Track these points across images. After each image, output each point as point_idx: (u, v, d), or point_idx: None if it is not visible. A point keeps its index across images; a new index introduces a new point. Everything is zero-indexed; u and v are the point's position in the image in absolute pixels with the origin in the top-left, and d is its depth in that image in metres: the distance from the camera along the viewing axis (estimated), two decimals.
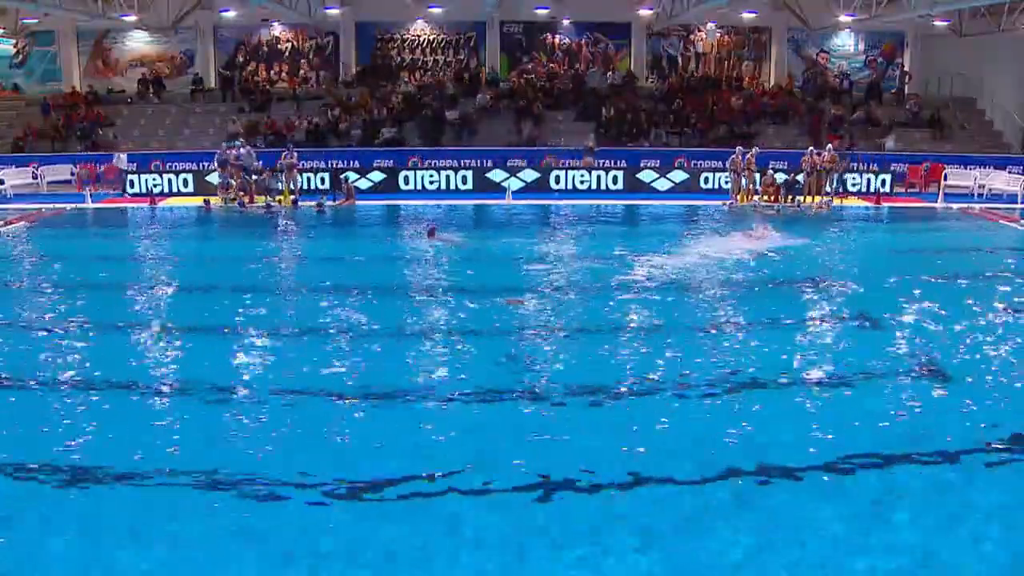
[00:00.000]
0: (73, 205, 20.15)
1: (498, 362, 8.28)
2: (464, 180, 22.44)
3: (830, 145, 21.41)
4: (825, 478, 5.92)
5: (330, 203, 20.23)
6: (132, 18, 25.08)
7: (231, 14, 26.90)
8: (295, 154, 21.15)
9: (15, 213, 18.76)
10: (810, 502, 5.62)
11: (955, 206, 20.29)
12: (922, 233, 17.73)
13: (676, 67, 29.05)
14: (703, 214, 18.98)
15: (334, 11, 27.07)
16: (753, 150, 21.03)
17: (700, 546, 5.06)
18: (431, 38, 28.82)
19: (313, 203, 19.85)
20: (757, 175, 20.80)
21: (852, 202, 21.19)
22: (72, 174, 23.08)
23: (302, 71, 28.91)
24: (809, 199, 20.30)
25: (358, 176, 21.96)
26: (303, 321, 9.94)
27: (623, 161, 23.43)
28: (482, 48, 28.64)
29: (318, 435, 6.65)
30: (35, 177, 22.84)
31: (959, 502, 5.61)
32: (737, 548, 5.03)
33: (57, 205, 20.08)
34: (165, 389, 7.64)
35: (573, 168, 22.77)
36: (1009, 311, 10.51)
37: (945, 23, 25.89)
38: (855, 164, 22.82)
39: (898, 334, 9.47)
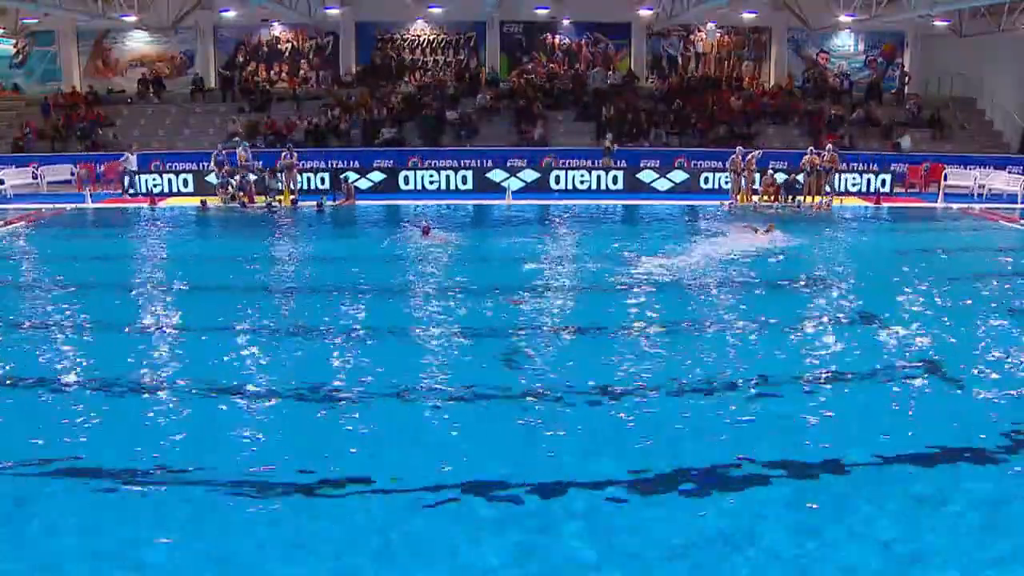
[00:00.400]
0: (73, 205, 20.16)
1: (498, 362, 8.28)
2: (464, 180, 22.44)
3: (830, 145, 21.40)
4: (825, 478, 5.92)
5: (330, 203, 20.23)
6: (132, 18, 25.09)
7: (231, 14, 26.90)
8: (295, 154, 21.17)
9: (15, 213, 18.77)
10: (809, 501, 5.62)
11: (955, 206, 20.29)
12: (922, 233, 17.72)
13: (676, 67, 29.05)
14: (703, 214, 18.98)
15: (334, 11, 27.07)
16: (758, 152, 21.02)
17: (701, 546, 5.06)
18: (431, 38, 28.83)
19: (313, 203, 19.84)
20: (757, 175, 20.79)
21: (852, 202, 21.19)
22: (72, 174, 23.10)
23: (302, 71, 28.92)
24: (809, 199, 20.30)
25: (358, 176, 21.97)
26: (302, 321, 9.95)
27: (623, 161, 23.42)
28: (482, 48, 28.64)
29: (317, 435, 6.66)
30: (35, 177, 22.83)
31: (958, 502, 5.61)
32: (737, 548, 5.03)
33: (57, 205, 20.09)
34: (165, 389, 7.63)
35: (573, 168, 22.79)
36: (1009, 311, 10.51)
37: (945, 23, 25.89)
38: (844, 164, 22.76)
39: (898, 334, 9.46)
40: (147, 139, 25.51)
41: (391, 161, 23.37)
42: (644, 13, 27.54)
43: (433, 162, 23.28)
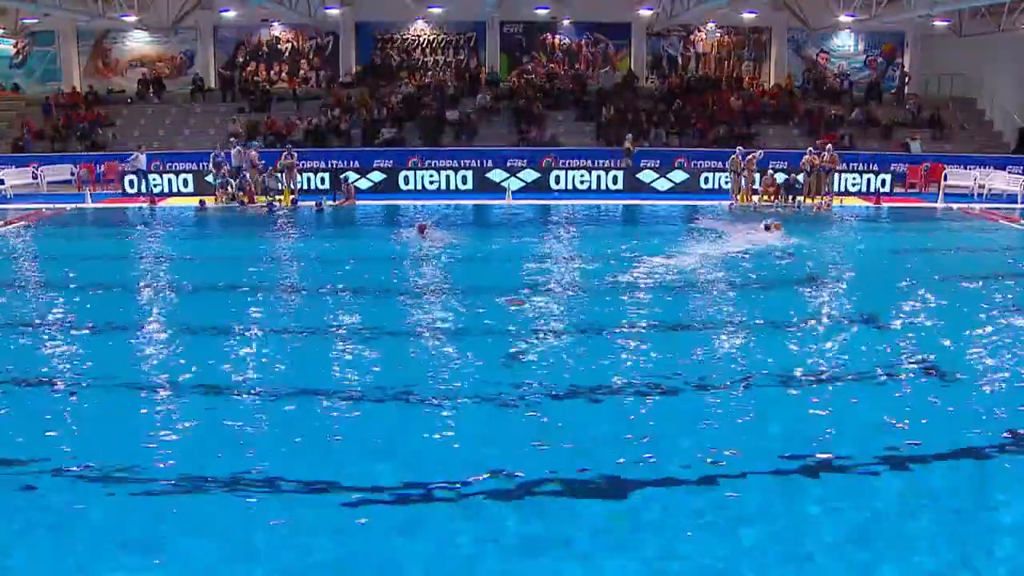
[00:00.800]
0: (73, 205, 20.16)
1: (498, 362, 8.28)
2: (464, 180, 22.45)
3: (829, 145, 21.41)
4: (824, 478, 5.92)
5: (330, 203, 20.23)
6: (132, 18, 25.10)
7: (231, 14, 26.92)
8: (294, 154, 21.17)
9: (15, 213, 18.77)
10: (807, 501, 5.62)
11: (955, 206, 20.29)
12: (922, 233, 17.72)
13: (676, 67, 29.06)
14: (703, 214, 18.97)
15: (334, 11, 27.08)
16: (759, 152, 21.03)
17: (702, 546, 5.06)
18: (431, 38, 28.84)
19: (313, 203, 19.84)
20: (757, 175, 20.79)
21: (852, 202, 21.19)
22: (72, 174, 23.11)
23: (302, 71, 28.93)
24: (809, 199, 20.30)
25: (358, 176, 21.98)
26: (301, 321, 9.96)
27: (623, 161, 23.40)
28: (482, 48, 28.65)
29: (316, 435, 6.65)
30: (35, 177, 22.84)
31: (957, 501, 5.61)
32: (736, 548, 5.03)
33: (57, 205, 20.09)
34: (164, 388, 7.63)
35: (573, 168, 22.80)
36: (1009, 311, 10.50)
37: (945, 23, 25.91)
38: (843, 164, 22.77)
39: (897, 334, 9.46)
40: (147, 139, 25.49)
41: (391, 161, 23.38)
42: (644, 13, 27.56)
43: (433, 162, 23.29)
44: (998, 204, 20.63)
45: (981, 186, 22.41)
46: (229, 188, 20.39)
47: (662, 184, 22.39)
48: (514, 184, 22.01)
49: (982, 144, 25.46)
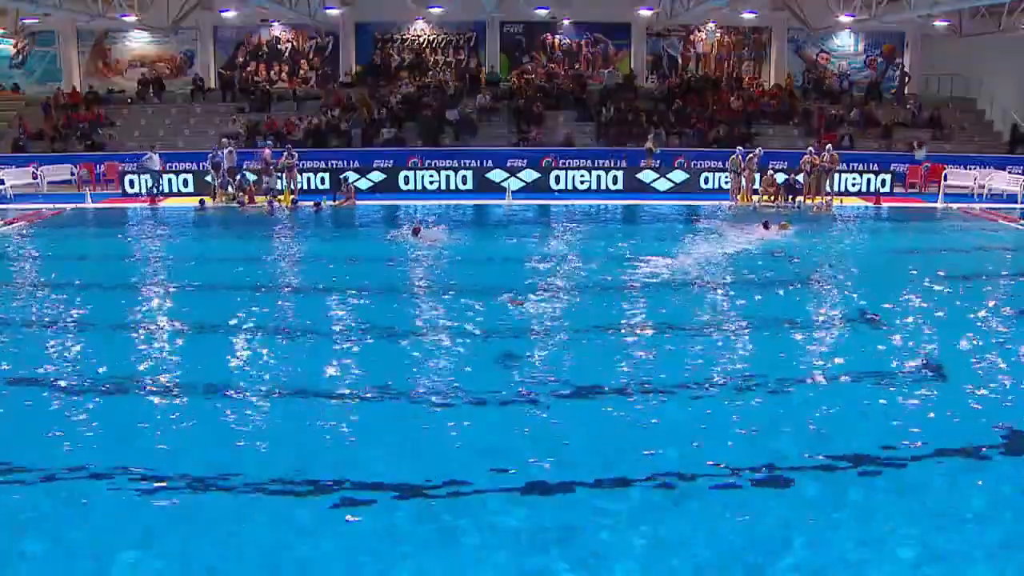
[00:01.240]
0: (73, 205, 20.16)
1: (499, 362, 8.28)
2: (464, 180, 22.44)
3: (829, 145, 21.40)
4: (823, 478, 5.92)
5: (330, 203, 20.23)
6: (132, 18, 25.08)
7: (231, 14, 26.92)
8: (294, 154, 21.16)
9: (15, 213, 18.77)
10: (807, 500, 5.63)
11: (955, 206, 20.29)
12: (922, 233, 17.72)
13: (676, 67, 29.06)
14: (703, 214, 18.98)
15: (334, 11, 27.08)
16: (757, 150, 21.03)
17: (703, 546, 5.06)
18: (431, 38, 28.84)
19: (312, 203, 19.84)
20: (757, 175, 20.78)
21: (852, 202, 21.19)
22: (72, 174, 23.11)
23: (302, 71, 28.93)
24: (809, 199, 20.30)
25: (358, 176, 21.97)
26: (299, 321, 9.97)
27: (623, 161, 23.42)
28: (482, 48, 28.64)
29: (315, 435, 6.66)
30: (35, 177, 22.83)
31: (956, 501, 5.61)
32: (736, 548, 5.03)
33: (57, 205, 20.09)
34: (164, 388, 7.63)
35: (573, 168, 22.80)
36: (1009, 311, 10.51)
37: (945, 23, 25.90)
38: (842, 164, 22.75)
39: (897, 333, 9.47)
40: (147, 139, 25.48)
41: (391, 161, 23.37)
42: (644, 13, 27.55)
43: (433, 162, 23.28)
44: (998, 204, 20.62)
45: (981, 186, 22.40)
46: (229, 188, 20.39)
47: (662, 184, 22.37)
48: (514, 184, 22.00)
49: (982, 144, 25.44)
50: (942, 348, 8.85)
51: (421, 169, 22.82)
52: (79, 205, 20.20)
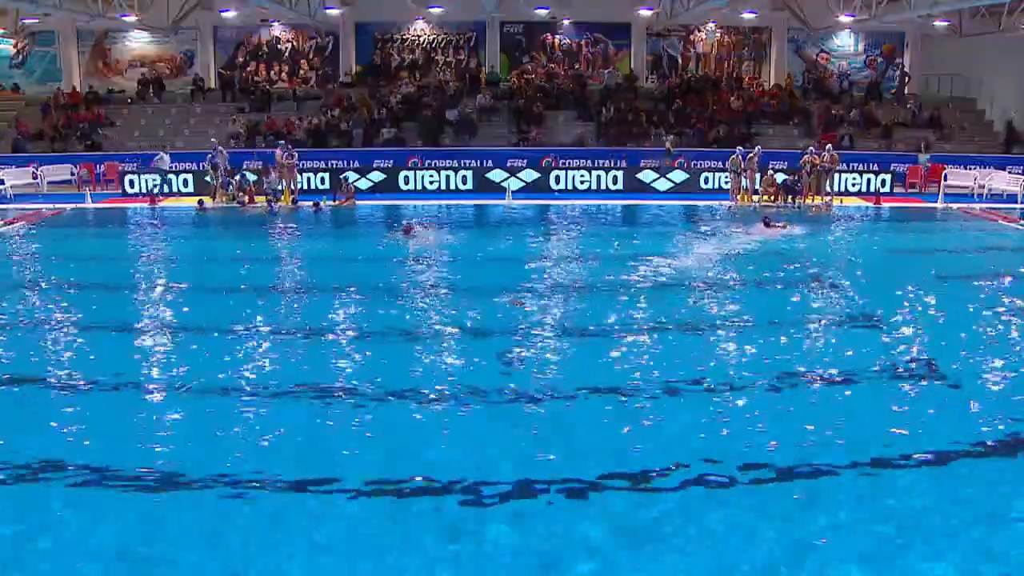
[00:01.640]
0: (73, 205, 20.16)
1: (499, 362, 8.28)
2: (464, 180, 22.43)
3: (829, 145, 21.40)
4: (822, 477, 5.92)
5: (330, 203, 20.23)
6: (132, 18, 25.07)
7: (231, 14, 26.91)
8: (295, 154, 21.12)
9: (15, 213, 18.77)
10: (805, 500, 5.63)
11: (955, 206, 20.28)
12: (922, 233, 17.73)
13: (676, 67, 29.06)
14: (703, 214, 18.98)
15: (334, 11, 27.07)
16: (756, 149, 21.03)
17: (702, 546, 5.06)
18: (431, 38, 28.84)
19: (312, 203, 19.86)
20: (758, 175, 20.78)
21: (852, 202, 21.18)
22: (72, 174, 23.11)
23: (302, 71, 28.92)
24: (809, 199, 20.30)
25: (358, 176, 21.97)
26: (298, 321, 9.97)
27: (623, 161, 23.43)
28: (482, 48, 28.64)
29: (315, 435, 6.66)
30: (35, 177, 22.83)
31: (956, 502, 5.61)
32: (737, 547, 5.03)
33: (57, 205, 20.09)
34: (164, 388, 7.64)
35: (573, 168, 22.80)
36: (1009, 311, 10.51)
37: (945, 23, 25.88)
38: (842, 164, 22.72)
39: (897, 334, 9.47)
40: (147, 139, 25.52)
41: (391, 161, 23.36)
42: (644, 13, 27.54)
43: (433, 162, 23.28)
44: (998, 204, 20.62)
45: (981, 186, 22.40)
46: (230, 188, 20.39)
47: (662, 184, 22.37)
48: (514, 184, 22.00)
49: (982, 144, 25.43)
50: (941, 348, 8.84)
51: (421, 169, 22.81)
52: (79, 205, 20.20)
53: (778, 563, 4.90)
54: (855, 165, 22.98)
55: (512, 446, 6.42)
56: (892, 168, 22.87)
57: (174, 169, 22.06)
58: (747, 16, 27.44)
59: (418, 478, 5.85)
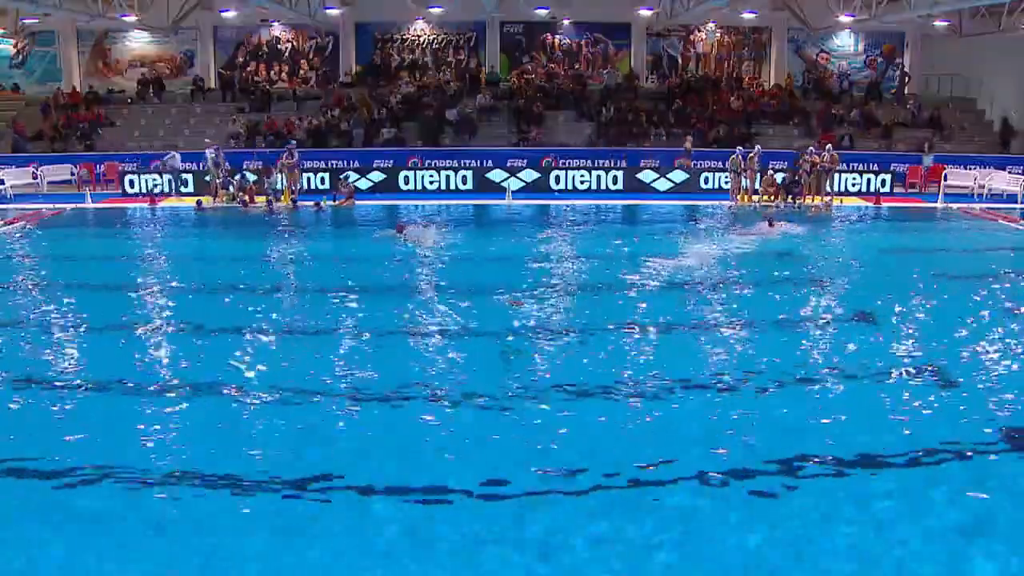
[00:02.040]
0: (73, 205, 20.16)
1: (498, 362, 8.28)
2: (464, 180, 22.43)
3: (829, 145, 21.40)
4: (823, 477, 5.92)
5: (330, 203, 20.23)
6: (132, 18, 25.07)
7: (231, 14, 26.91)
8: (295, 154, 21.10)
9: (15, 213, 18.77)
10: (806, 500, 5.63)
11: (955, 206, 20.28)
12: (922, 233, 17.72)
13: (676, 67, 29.05)
14: (703, 214, 18.98)
15: (334, 11, 27.07)
16: (755, 148, 21.03)
17: (701, 546, 5.06)
18: (431, 38, 28.84)
19: (312, 203, 19.87)
20: (759, 175, 20.78)
21: (852, 202, 21.18)
22: (72, 174, 23.11)
23: (302, 71, 28.92)
24: (809, 199, 20.30)
25: (358, 176, 21.97)
26: (297, 321, 9.97)
27: (623, 161, 23.43)
28: (482, 48, 28.64)
29: (314, 436, 6.66)
30: (35, 177, 22.83)
31: (956, 501, 5.61)
32: (738, 546, 5.03)
33: (57, 205, 20.09)
34: (164, 388, 7.63)
35: (573, 168, 22.80)
36: (1008, 311, 10.51)
37: (945, 23, 25.88)
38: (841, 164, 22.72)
39: (897, 334, 9.47)
40: (147, 139, 25.53)
41: (391, 161, 23.37)
42: (644, 13, 27.54)
43: (433, 162, 23.28)
44: (998, 204, 20.62)
45: (981, 186, 22.40)
46: (231, 188, 20.40)
47: (662, 184, 22.37)
48: (514, 184, 22.00)
49: (982, 144, 25.43)
50: (941, 348, 8.84)
51: (421, 169, 22.81)
52: (79, 205, 20.20)
53: (777, 562, 4.90)
54: (855, 165, 22.98)
55: (513, 446, 6.42)
56: (892, 168, 22.87)
57: (187, 168, 22.00)
58: (747, 16, 27.44)
59: (420, 478, 5.85)
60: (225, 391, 7.51)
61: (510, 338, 9.09)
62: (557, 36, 28.84)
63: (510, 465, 6.03)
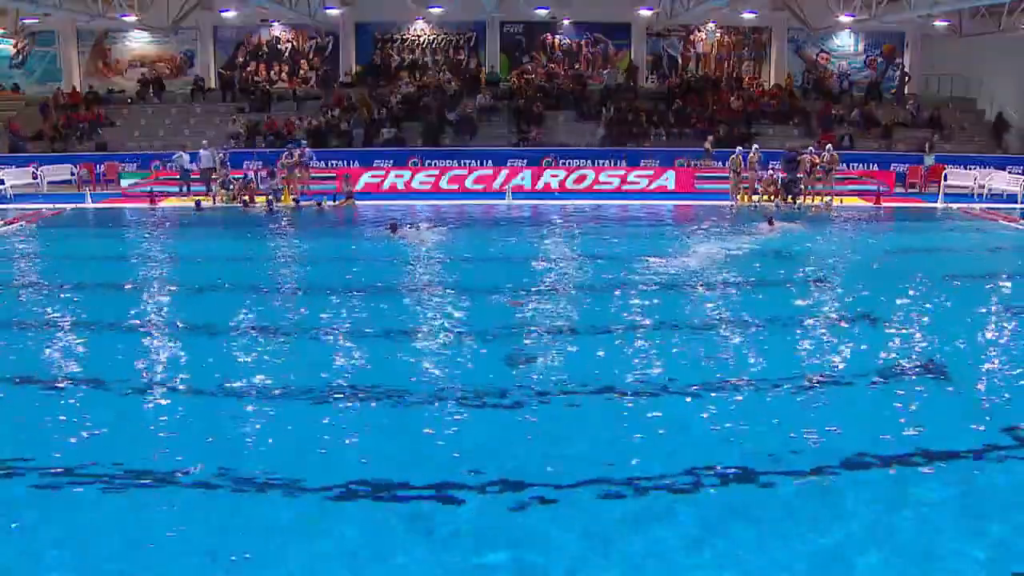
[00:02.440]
0: (73, 205, 20.16)
1: (498, 362, 8.27)
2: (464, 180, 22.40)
3: (829, 145, 21.40)
4: (822, 477, 5.93)
5: (330, 203, 20.22)
6: (132, 18, 25.07)
7: (231, 14, 26.91)
8: (295, 153, 20.98)
9: (15, 213, 18.77)
10: (804, 500, 5.63)
11: (955, 206, 20.28)
12: (922, 233, 17.73)
13: (676, 67, 29.05)
14: (703, 214, 18.98)
15: (334, 11, 27.07)
16: (754, 147, 21.04)
17: (698, 545, 5.06)
18: (431, 38, 28.83)
19: (312, 203, 19.87)
20: (761, 174, 20.78)
21: (852, 202, 21.19)
22: (72, 174, 23.10)
23: (302, 71, 28.92)
24: (809, 199, 20.30)
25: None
26: (297, 321, 9.97)
27: (623, 161, 23.42)
28: (482, 48, 28.64)
29: (315, 436, 6.66)
30: (35, 177, 22.82)
31: (958, 501, 5.61)
32: (736, 547, 5.03)
33: (57, 205, 20.09)
34: (163, 389, 7.64)
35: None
36: (1008, 311, 10.51)
37: (945, 23, 25.88)
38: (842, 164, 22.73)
39: (897, 334, 9.47)
40: (147, 139, 25.53)
41: (391, 161, 23.36)
42: (644, 13, 27.54)
43: (433, 162, 23.28)
44: (998, 204, 20.62)
45: (981, 186, 22.40)
46: (231, 188, 20.39)
47: (662, 184, 22.34)
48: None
49: (982, 144, 25.43)
50: (942, 348, 8.84)
51: (421, 169, 22.80)
52: (79, 205, 20.20)
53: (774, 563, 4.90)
54: (855, 165, 22.98)
55: (511, 446, 6.42)
56: (892, 168, 22.87)
57: (197, 168, 21.96)
58: (747, 16, 27.44)
59: (419, 479, 5.85)
60: (225, 391, 7.51)
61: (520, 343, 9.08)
62: (557, 36, 28.84)
63: (511, 466, 6.03)
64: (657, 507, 5.53)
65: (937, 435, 6.55)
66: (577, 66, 28.81)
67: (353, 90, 27.01)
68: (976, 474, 6.02)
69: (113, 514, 5.42)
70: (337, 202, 20.36)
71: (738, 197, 20.55)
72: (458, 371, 8.08)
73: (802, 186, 20.45)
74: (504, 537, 5.16)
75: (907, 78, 28.20)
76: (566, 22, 28.53)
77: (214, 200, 20.39)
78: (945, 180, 22.16)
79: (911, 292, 11.47)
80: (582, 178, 22.41)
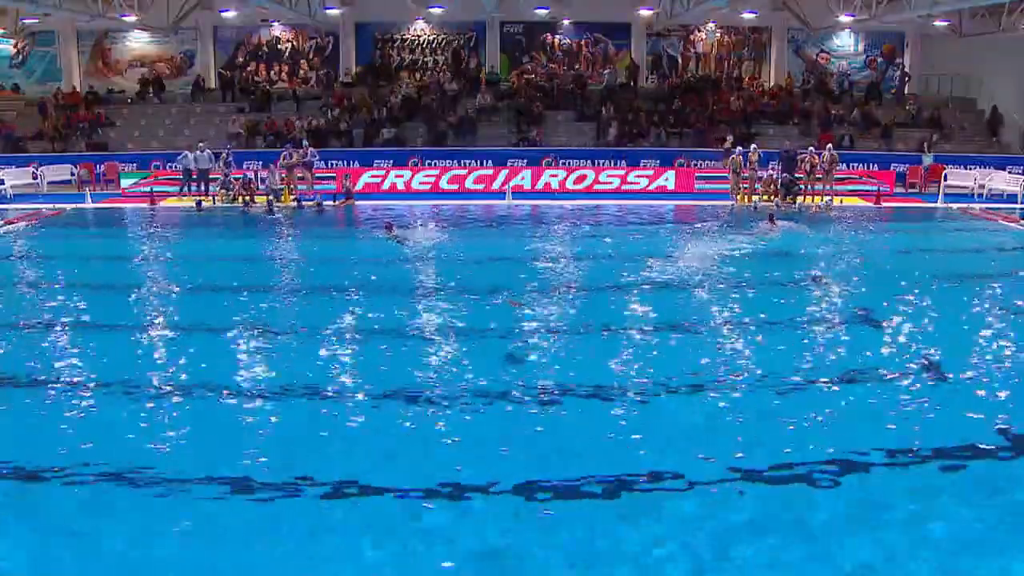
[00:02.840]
0: (73, 205, 20.16)
1: (498, 362, 8.28)
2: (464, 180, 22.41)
3: (829, 145, 21.40)
4: (823, 477, 5.92)
5: (329, 203, 20.22)
6: (132, 18, 25.07)
7: (231, 14, 26.90)
8: (294, 154, 20.96)
9: (15, 213, 18.77)
10: (805, 500, 5.63)
11: (955, 206, 20.28)
12: (922, 233, 17.72)
13: (676, 67, 29.05)
14: (702, 214, 18.98)
15: (334, 11, 27.06)
16: (753, 147, 21.04)
17: (696, 545, 5.06)
18: (431, 38, 28.83)
19: (312, 203, 19.87)
20: (761, 174, 20.78)
21: (852, 202, 21.19)
22: (72, 174, 23.10)
23: (302, 71, 28.92)
24: (808, 199, 20.30)
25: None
26: (296, 321, 9.97)
27: (623, 161, 23.42)
28: (482, 48, 28.64)
29: (314, 436, 6.66)
30: (35, 177, 22.82)
31: (956, 502, 5.61)
32: (736, 547, 5.03)
33: (57, 205, 20.09)
34: (163, 389, 7.64)
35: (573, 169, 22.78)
36: (1008, 311, 10.51)
37: (945, 23, 25.88)
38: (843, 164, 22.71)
39: (897, 333, 9.47)
40: (147, 139, 25.53)
41: (391, 161, 23.36)
42: (644, 13, 27.53)
43: (433, 162, 23.28)
44: (998, 204, 20.62)
45: (981, 186, 22.40)
46: (231, 188, 20.39)
47: (662, 184, 22.35)
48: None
49: (982, 144, 25.43)
50: (941, 348, 8.84)
51: (421, 169, 22.80)
52: (79, 205, 20.20)
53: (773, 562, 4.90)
54: (855, 165, 22.98)
55: (512, 446, 6.42)
56: (892, 168, 22.87)
57: (199, 167, 21.95)
58: (747, 16, 27.43)
59: (420, 480, 5.85)
60: (225, 391, 7.52)
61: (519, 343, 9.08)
62: (557, 36, 28.83)
63: (512, 464, 6.03)
64: (659, 507, 5.53)
65: (935, 434, 6.56)
66: (577, 66, 28.80)
67: (353, 90, 27.01)
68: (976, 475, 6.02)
69: (113, 514, 5.42)
70: (337, 202, 20.37)
71: (738, 197, 20.55)
72: (458, 371, 8.08)
73: (802, 186, 20.45)
74: (504, 537, 5.17)
75: (907, 78, 28.20)
76: (566, 22, 28.53)
77: (214, 200, 20.39)
78: (945, 180, 22.16)
79: (910, 292, 11.46)
80: (582, 178, 22.43)
